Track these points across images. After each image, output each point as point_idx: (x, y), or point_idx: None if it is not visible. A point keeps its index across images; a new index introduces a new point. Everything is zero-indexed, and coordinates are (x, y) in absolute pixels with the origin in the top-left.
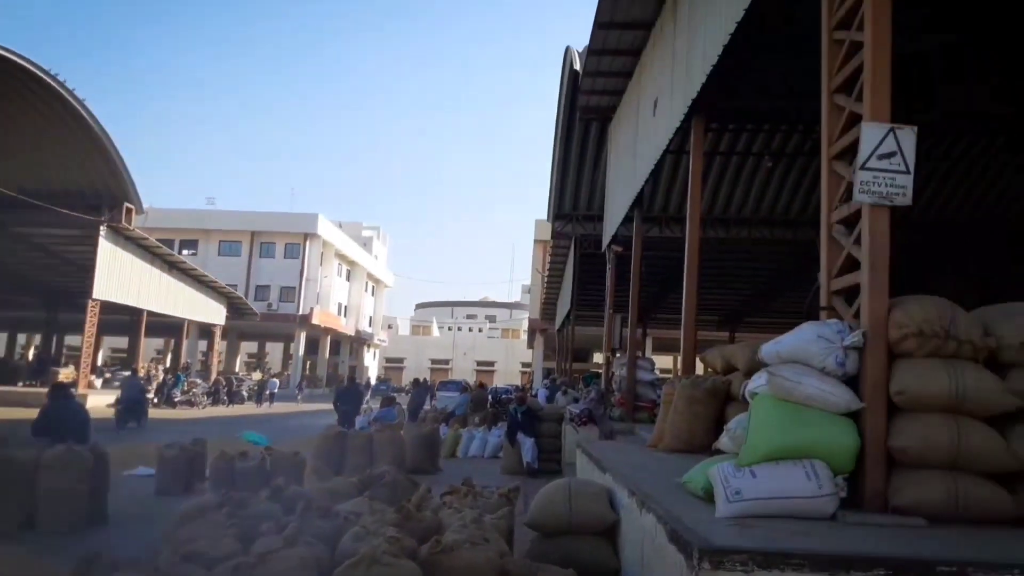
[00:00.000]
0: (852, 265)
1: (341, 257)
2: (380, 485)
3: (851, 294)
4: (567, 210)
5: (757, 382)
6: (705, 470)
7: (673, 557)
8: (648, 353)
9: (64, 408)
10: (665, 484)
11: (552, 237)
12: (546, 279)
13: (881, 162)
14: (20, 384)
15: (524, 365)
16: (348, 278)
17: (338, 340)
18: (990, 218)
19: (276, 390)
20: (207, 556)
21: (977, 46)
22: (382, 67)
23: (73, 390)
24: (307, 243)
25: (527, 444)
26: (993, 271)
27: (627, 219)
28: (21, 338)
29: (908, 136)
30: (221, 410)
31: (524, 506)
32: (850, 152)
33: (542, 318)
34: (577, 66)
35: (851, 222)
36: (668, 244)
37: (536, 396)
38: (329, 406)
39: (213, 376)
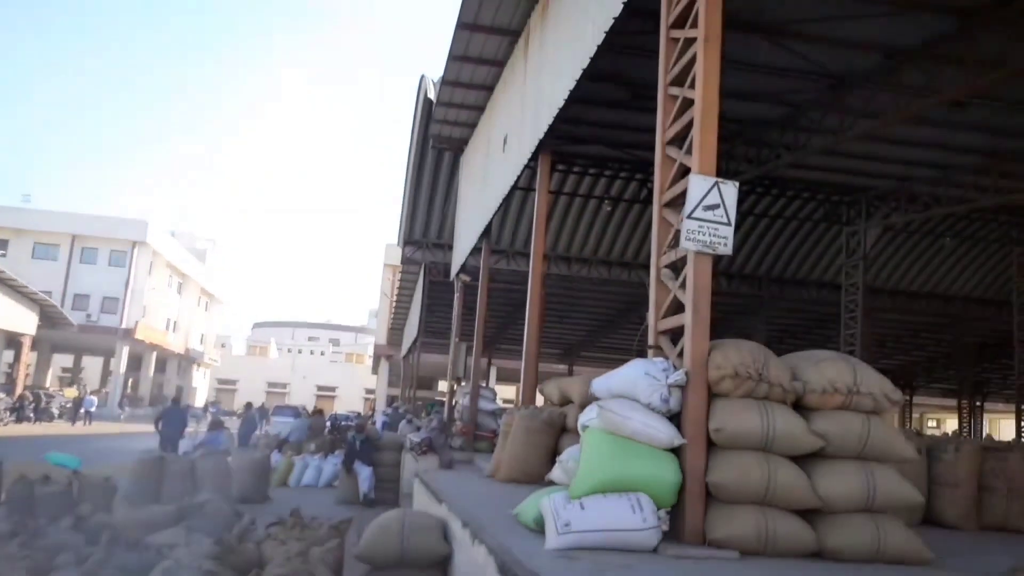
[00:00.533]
0: (678, 307)
1: (172, 268)
2: (199, 515)
3: (676, 334)
4: (418, 236)
5: (589, 415)
6: (537, 501)
7: None
8: (492, 383)
9: None
10: (499, 515)
11: (402, 262)
12: (394, 304)
13: (706, 213)
14: None
15: (368, 391)
16: (179, 291)
17: (164, 357)
18: (804, 276)
19: (94, 408)
20: None
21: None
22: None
23: None
24: (135, 251)
25: (364, 473)
26: (805, 322)
27: (476, 250)
28: None
29: (730, 190)
30: (26, 428)
31: (357, 538)
32: (679, 201)
33: (389, 343)
34: (432, 95)
35: (678, 267)
36: (514, 277)
37: (375, 424)
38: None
39: (19, 390)
